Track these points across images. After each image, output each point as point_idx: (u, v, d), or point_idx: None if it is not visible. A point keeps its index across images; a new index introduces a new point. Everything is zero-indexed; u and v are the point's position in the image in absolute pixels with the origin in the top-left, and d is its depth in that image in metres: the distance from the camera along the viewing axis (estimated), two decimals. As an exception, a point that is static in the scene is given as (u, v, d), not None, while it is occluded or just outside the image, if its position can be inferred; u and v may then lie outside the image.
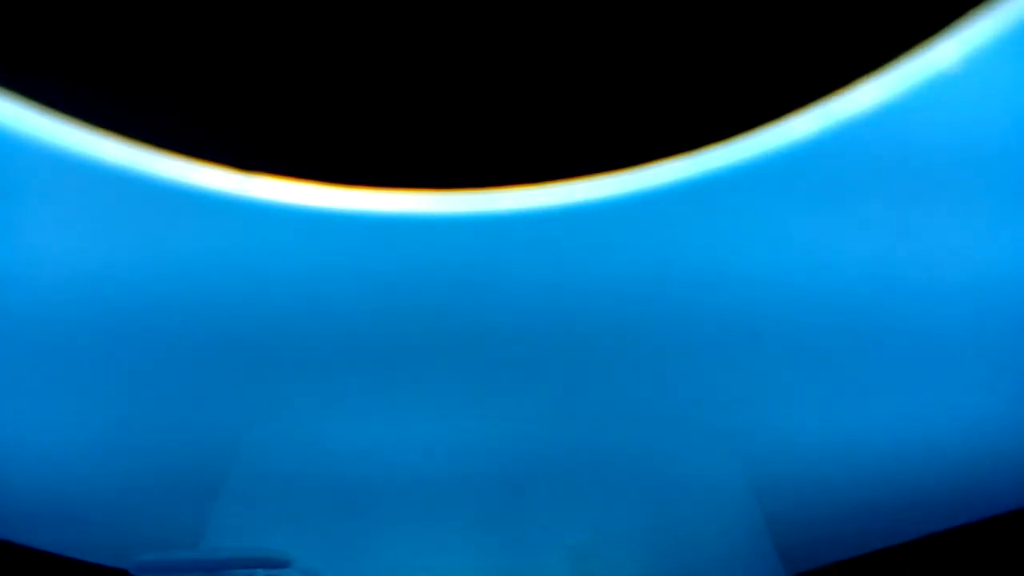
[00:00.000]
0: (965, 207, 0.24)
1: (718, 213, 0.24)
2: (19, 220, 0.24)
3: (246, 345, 0.27)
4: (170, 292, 0.25)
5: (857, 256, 0.25)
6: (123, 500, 0.32)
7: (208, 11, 0.23)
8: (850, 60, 0.22)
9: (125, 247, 0.24)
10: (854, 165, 0.23)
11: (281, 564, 0.30)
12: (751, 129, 0.23)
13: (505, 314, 0.26)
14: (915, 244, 0.25)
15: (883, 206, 0.24)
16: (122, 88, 0.23)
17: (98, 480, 0.31)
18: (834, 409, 0.29)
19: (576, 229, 0.24)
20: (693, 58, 0.23)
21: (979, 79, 0.22)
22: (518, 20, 0.23)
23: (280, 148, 0.24)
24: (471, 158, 0.24)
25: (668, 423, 0.29)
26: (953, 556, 0.35)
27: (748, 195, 0.23)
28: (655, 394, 0.29)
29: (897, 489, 0.32)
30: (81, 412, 0.29)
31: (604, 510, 0.32)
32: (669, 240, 0.24)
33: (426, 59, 0.23)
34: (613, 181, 0.23)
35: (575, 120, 0.24)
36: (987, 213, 0.24)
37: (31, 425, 0.29)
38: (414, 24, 0.23)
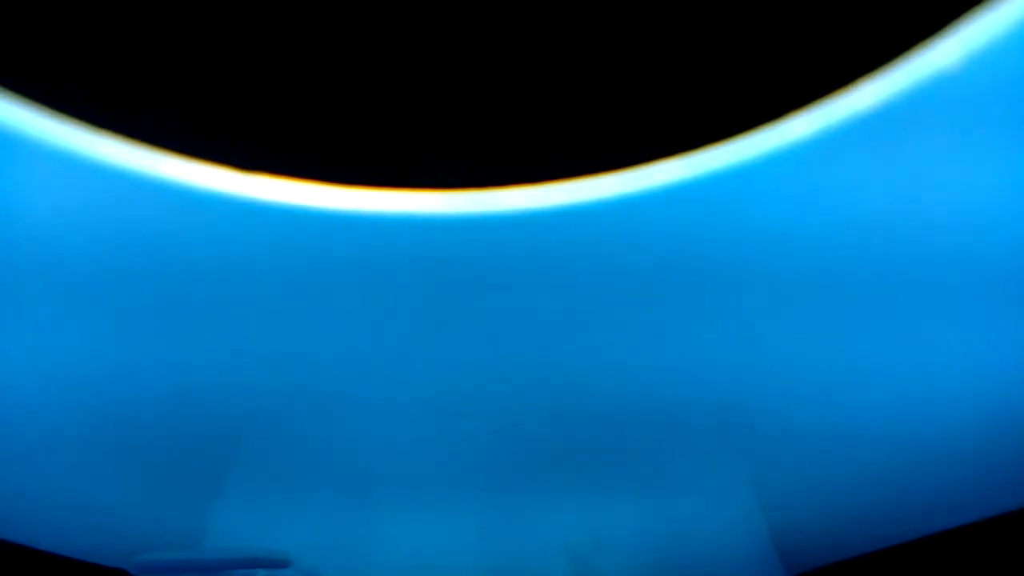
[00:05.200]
0: (964, 206, 0.24)
1: (718, 213, 0.24)
2: (19, 220, 0.24)
3: (246, 344, 0.27)
4: (170, 292, 0.25)
5: (857, 255, 0.25)
6: (123, 500, 0.32)
7: (207, 11, 0.23)
8: (850, 60, 0.22)
9: (125, 247, 0.24)
10: (854, 166, 0.23)
11: (281, 564, 0.30)
12: (751, 129, 0.23)
13: (505, 314, 0.26)
14: (915, 247, 0.25)
15: (884, 207, 0.24)
16: (122, 88, 0.23)
17: (98, 479, 0.31)
18: (835, 409, 0.29)
19: (576, 229, 0.24)
20: (692, 58, 0.23)
21: (979, 79, 0.22)
22: (517, 20, 0.23)
23: (280, 148, 0.24)
24: (471, 158, 0.24)
25: (668, 422, 0.29)
26: (953, 556, 0.35)
27: (748, 195, 0.23)
28: (654, 393, 0.29)
29: (897, 489, 0.32)
30: (80, 411, 0.29)
31: (603, 509, 0.32)
32: (669, 240, 0.24)
33: (426, 59, 0.23)
34: (613, 181, 0.23)
35: (575, 120, 0.24)
36: (986, 212, 0.24)
37: (32, 425, 0.29)
38: (413, 24, 0.23)
